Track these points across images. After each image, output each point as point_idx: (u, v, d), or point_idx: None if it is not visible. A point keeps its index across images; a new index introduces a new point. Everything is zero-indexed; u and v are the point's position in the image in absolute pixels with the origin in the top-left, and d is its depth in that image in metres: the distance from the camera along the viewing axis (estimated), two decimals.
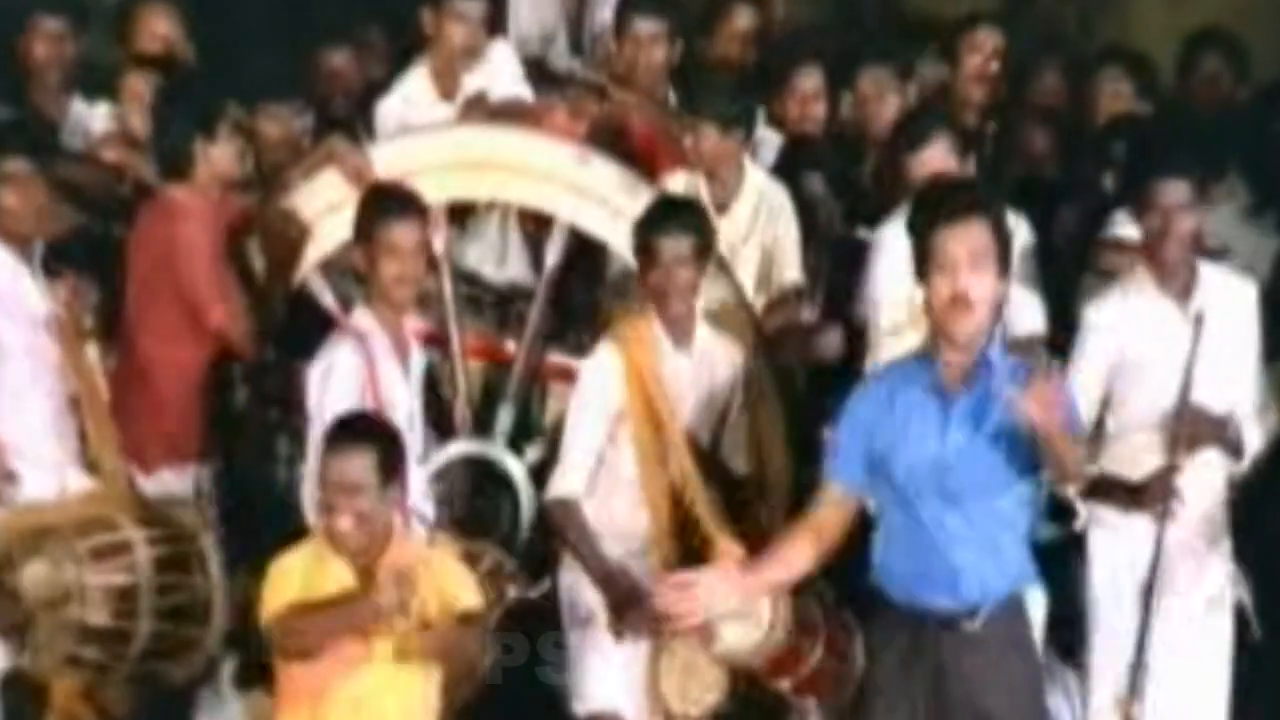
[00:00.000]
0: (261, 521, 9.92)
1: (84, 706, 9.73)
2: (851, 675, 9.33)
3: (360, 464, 8.48)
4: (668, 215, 9.72)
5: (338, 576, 8.46)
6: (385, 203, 9.80)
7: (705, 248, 9.65)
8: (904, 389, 8.27)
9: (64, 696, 9.65)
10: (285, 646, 8.43)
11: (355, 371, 9.66)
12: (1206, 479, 9.66)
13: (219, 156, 10.17)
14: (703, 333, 9.79)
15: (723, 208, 10.51)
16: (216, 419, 10.35)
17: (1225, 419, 9.51)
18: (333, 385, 9.68)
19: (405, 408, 9.70)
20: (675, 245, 9.52)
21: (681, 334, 9.68)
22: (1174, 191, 9.49)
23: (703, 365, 9.78)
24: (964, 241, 8.05)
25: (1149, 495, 9.41)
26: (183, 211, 10.13)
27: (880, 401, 8.31)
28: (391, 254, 9.65)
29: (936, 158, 10.17)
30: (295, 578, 8.56)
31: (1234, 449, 9.67)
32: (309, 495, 9.44)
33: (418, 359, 9.98)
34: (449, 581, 8.64)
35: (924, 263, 8.07)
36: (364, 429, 8.78)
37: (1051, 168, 11.77)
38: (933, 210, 8.32)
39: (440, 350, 10.55)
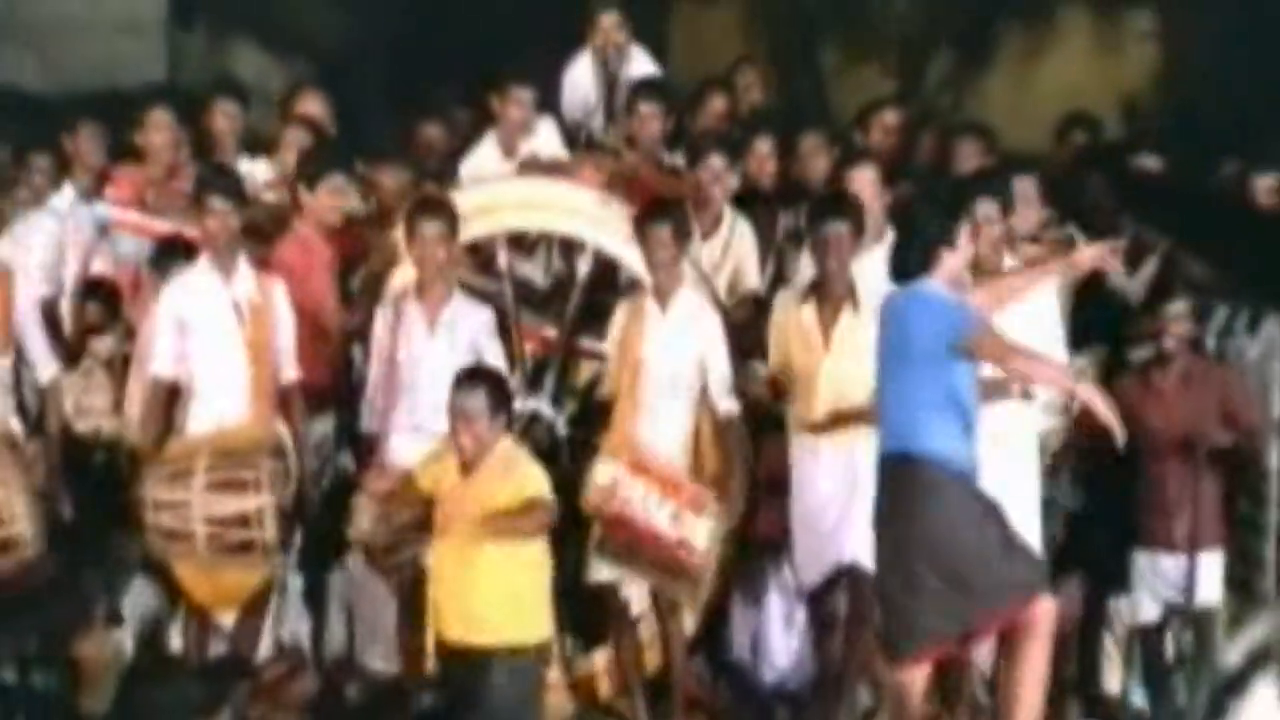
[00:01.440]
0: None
1: (208, 587, 9.71)
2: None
3: (476, 399, 8.67)
4: (656, 209, 9.88)
5: (450, 469, 8.74)
6: (417, 205, 10.03)
7: (682, 233, 9.81)
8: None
9: (180, 581, 9.67)
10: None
11: (387, 327, 9.95)
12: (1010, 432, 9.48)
13: (316, 205, 10.24)
14: (687, 297, 9.88)
15: (707, 235, 10.48)
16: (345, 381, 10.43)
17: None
18: (377, 336, 10.08)
19: (430, 358, 9.89)
20: (660, 230, 9.68)
21: (664, 299, 9.79)
22: (984, 206, 9.55)
23: (682, 320, 9.82)
24: None
25: None
26: (299, 239, 10.30)
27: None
28: (417, 241, 9.85)
29: (865, 178, 10.21)
30: (429, 465, 8.91)
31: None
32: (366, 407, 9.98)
33: (453, 322, 10.02)
34: (520, 478, 8.73)
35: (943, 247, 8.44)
36: (480, 376, 8.96)
37: None
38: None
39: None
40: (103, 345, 10.19)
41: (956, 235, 8.42)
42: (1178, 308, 9.81)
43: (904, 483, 8.30)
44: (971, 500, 8.27)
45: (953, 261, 8.40)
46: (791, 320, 9.83)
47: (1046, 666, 8.36)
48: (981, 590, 8.15)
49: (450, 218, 9.91)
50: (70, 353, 10.22)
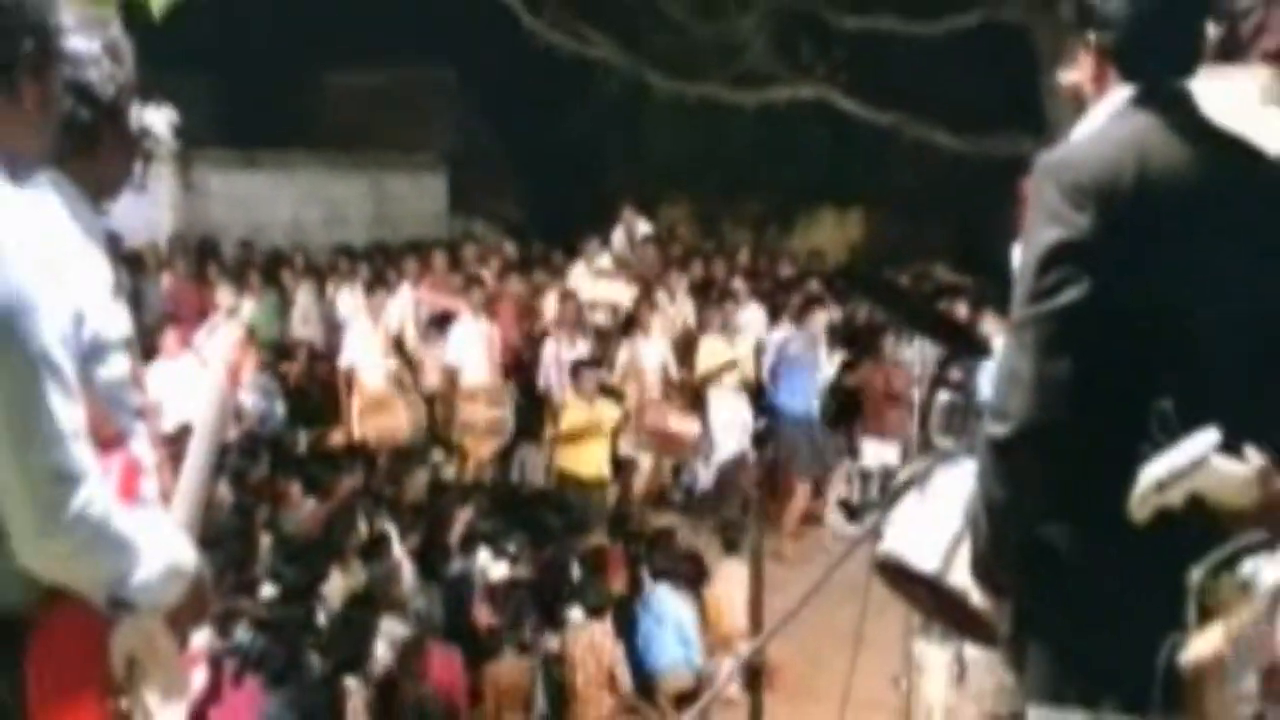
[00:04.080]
0: None
1: (488, 449, 8.92)
2: None
3: (591, 369, 8.48)
4: (648, 297, 9.63)
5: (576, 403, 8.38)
6: (562, 294, 9.56)
7: (655, 303, 9.60)
8: None
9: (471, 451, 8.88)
10: None
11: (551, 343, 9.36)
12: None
13: (507, 290, 9.86)
14: (658, 328, 9.46)
15: (672, 300, 10.14)
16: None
17: None
18: (547, 347, 9.38)
19: (561, 356, 9.14)
20: (647, 307, 9.39)
21: (646, 331, 9.30)
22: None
23: (654, 339, 9.35)
24: None
25: None
26: (507, 303, 9.88)
27: None
28: (562, 306, 9.41)
29: (740, 285, 10.09)
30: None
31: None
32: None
33: (575, 342, 9.24)
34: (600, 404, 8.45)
35: None
36: (587, 365, 8.62)
37: None
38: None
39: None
40: (437, 351, 9.42)
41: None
42: (889, 338, 9.05)
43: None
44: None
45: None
46: (708, 343, 9.43)
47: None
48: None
49: (575, 299, 9.68)
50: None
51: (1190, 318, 1.90)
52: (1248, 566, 1.47)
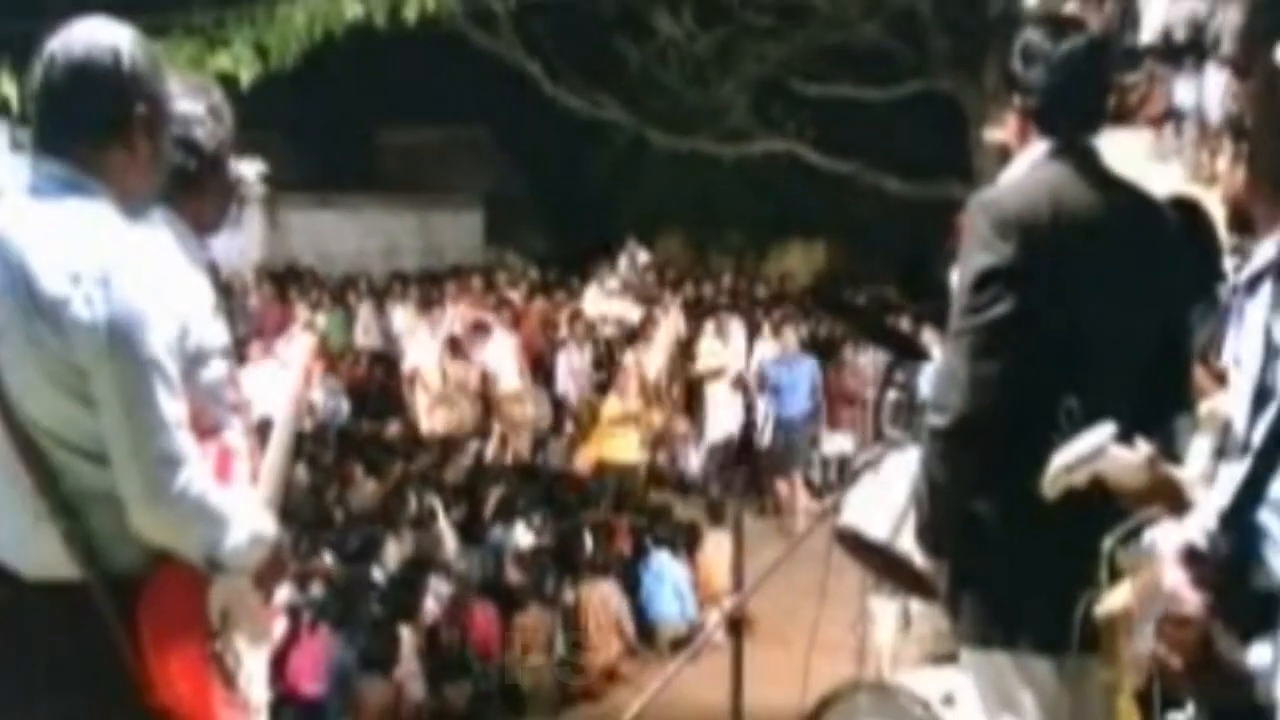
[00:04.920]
0: None
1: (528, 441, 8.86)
2: None
3: (602, 369, 8.80)
4: (651, 319, 9.54)
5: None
6: (571, 313, 9.44)
7: (657, 322, 9.46)
8: None
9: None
10: None
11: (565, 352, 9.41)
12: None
13: (530, 309, 9.89)
14: (656, 341, 9.30)
15: (666, 317, 9.85)
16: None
17: None
18: (564, 353, 9.42)
19: (574, 363, 9.25)
20: (653, 323, 9.30)
21: (649, 338, 9.22)
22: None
23: (658, 343, 9.18)
24: None
25: None
26: (534, 318, 9.95)
27: None
28: (574, 325, 9.45)
29: (723, 308, 9.90)
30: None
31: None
32: None
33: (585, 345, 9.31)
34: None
35: None
36: (603, 362, 8.88)
37: None
38: None
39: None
40: (469, 364, 9.26)
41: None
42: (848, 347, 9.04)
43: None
44: None
45: None
46: (703, 349, 9.30)
47: None
48: None
49: (586, 320, 9.71)
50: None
51: (1093, 330, 1.92)
52: (1148, 537, 1.52)
